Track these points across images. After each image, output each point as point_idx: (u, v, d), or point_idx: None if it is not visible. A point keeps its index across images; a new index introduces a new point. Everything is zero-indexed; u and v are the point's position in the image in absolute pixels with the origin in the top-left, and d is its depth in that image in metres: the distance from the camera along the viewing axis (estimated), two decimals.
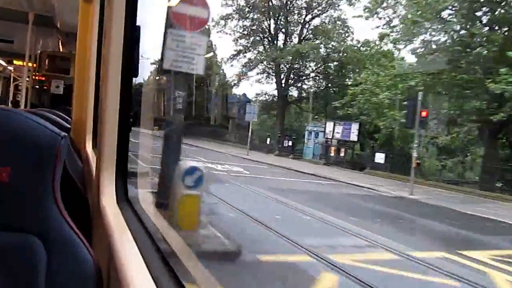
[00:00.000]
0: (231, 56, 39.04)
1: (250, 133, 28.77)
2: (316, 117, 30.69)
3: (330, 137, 27.46)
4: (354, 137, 26.30)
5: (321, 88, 36.81)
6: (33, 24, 6.46)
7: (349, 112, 28.16)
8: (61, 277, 1.04)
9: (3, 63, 12.72)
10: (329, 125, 28.21)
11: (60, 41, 8.36)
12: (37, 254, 1.01)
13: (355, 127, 26.26)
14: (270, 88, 55.60)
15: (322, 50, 35.75)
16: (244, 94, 40.20)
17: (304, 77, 37.39)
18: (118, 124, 1.71)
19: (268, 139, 33.43)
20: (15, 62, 10.83)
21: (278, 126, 35.49)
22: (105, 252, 1.27)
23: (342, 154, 26.49)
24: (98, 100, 2.49)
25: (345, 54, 34.43)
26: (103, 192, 1.65)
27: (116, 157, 1.70)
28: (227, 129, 42.38)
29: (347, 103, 27.69)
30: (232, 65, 44.48)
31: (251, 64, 38.85)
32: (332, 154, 26.89)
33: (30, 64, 7.98)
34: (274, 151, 31.91)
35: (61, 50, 8.86)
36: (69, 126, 2.51)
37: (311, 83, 38.09)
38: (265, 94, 40.83)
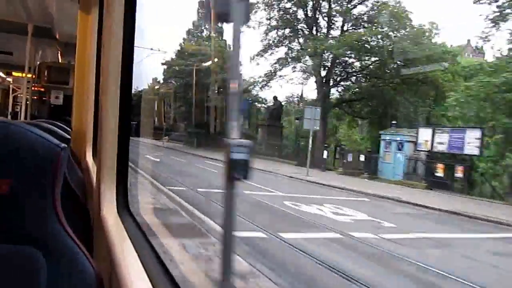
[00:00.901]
0: (259, 53, 33.91)
1: (310, 146, 22.72)
2: (394, 122, 24.17)
3: (426, 149, 20.47)
4: (472, 149, 18.39)
5: (378, 85, 29.57)
6: (32, 36, 6.48)
7: (450, 116, 23.04)
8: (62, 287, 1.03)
9: (2, 75, 12.75)
10: (424, 133, 20.85)
11: (59, 52, 8.38)
12: (38, 266, 1.01)
13: (473, 135, 18.44)
14: (305, 89, 48.91)
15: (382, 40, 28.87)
16: (275, 97, 36.18)
17: (353, 74, 31.10)
18: (118, 134, 1.71)
19: (325, 152, 26.22)
20: (14, 73, 10.87)
21: (320, 134, 29.01)
22: (106, 262, 1.27)
23: (459, 174, 18.56)
24: (97, 110, 2.49)
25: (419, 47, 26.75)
26: (104, 202, 1.65)
27: (116, 166, 1.70)
28: (252, 138, 38.96)
29: (450, 106, 22.51)
30: (258, 64, 38.12)
31: (288, 60, 33.43)
32: (439, 174, 19.22)
33: (29, 76, 8.00)
34: (331, 166, 26.28)
35: (60, 60, 8.89)
36: (69, 136, 2.51)
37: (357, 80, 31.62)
38: (297, 96, 37.38)
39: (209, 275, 5.26)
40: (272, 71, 33.74)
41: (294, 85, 41.08)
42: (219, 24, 44.41)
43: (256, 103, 39.48)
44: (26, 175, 1.01)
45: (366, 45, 28.47)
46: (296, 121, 35.65)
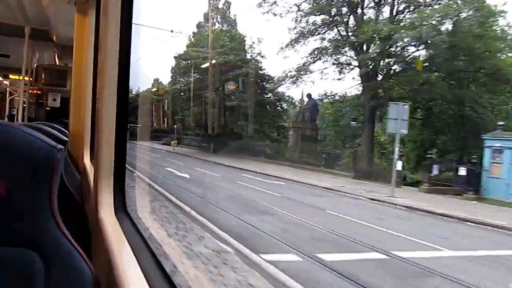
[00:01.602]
0: (289, 44, 29.61)
1: (396, 155, 17.76)
2: (501, 124, 18.97)
3: None
4: None
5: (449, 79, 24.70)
6: (30, 38, 6.47)
7: None
8: None
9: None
10: None
11: (56, 54, 8.38)
12: (35, 268, 1.00)
13: None
14: (342, 85, 43.81)
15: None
16: (309, 95, 31.76)
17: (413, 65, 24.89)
18: (115, 136, 1.71)
19: (399, 163, 18.61)
20: (11, 76, 10.84)
21: (366, 138, 25.94)
22: (104, 264, 1.26)
23: None
24: (95, 112, 2.49)
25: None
26: (101, 204, 1.64)
27: (114, 168, 1.70)
28: (274, 142, 34.18)
29: None
30: (285, 57, 32.86)
31: (327, 50, 28.43)
32: None
33: (26, 78, 7.99)
34: (407, 179, 21.75)
35: (57, 63, 8.89)
36: (66, 138, 2.51)
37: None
38: (332, 95, 31.85)
39: None
40: (304, 65, 29.22)
41: (327, 81, 37.26)
42: (232, 16, 41.69)
43: (281, 102, 35.48)
44: (22, 176, 1.00)
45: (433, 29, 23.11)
46: (352, 123, 30.69)
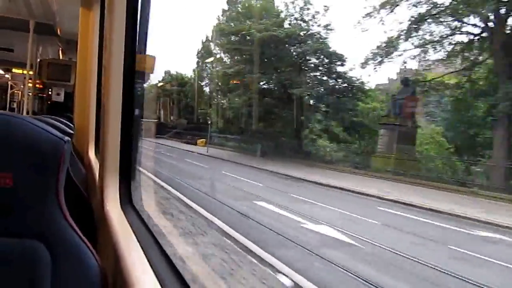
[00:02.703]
0: (372, 12, 22.56)
1: None
2: None
3: None
4: None
5: None
6: (34, 32, 6.49)
7: None
8: (66, 282, 1.04)
9: (1, 72, 12.75)
10: None
11: (60, 49, 8.39)
12: (42, 260, 1.01)
13: None
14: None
15: None
16: (406, 80, 23.31)
17: None
18: (121, 130, 1.72)
19: None
20: (14, 70, 10.88)
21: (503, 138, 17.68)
22: (110, 256, 1.28)
23: None
24: (100, 107, 2.50)
25: None
26: (107, 197, 1.66)
27: (119, 162, 1.71)
28: (346, 144, 26.01)
29: None
30: (364, 30, 25.58)
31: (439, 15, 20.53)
32: None
33: (31, 72, 8.01)
34: None
35: (61, 57, 8.90)
36: (71, 131, 2.52)
37: None
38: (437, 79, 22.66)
39: None
40: (397, 38, 21.97)
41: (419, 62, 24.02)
42: None
43: (356, 91, 26.57)
44: (29, 168, 1.01)
45: None
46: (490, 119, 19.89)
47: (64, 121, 2.95)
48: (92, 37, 3.97)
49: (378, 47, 23.08)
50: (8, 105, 15.08)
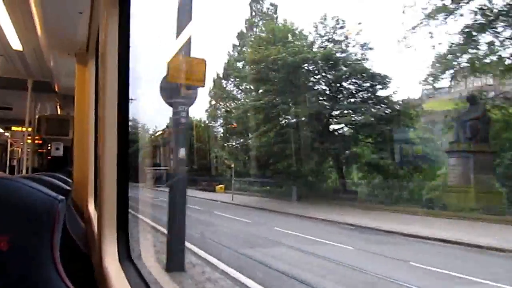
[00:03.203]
0: (419, 24, 19.29)
1: None
2: None
3: None
4: None
5: None
6: (32, 90, 6.62)
7: None
8: None
9: (1, 130, 12.91)
10: None
11: (58, 104, 8.53)
12: None
13: None
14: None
15: None
16: (473, 97, 19.82)
17: None
18: (117, 183, 1.72)
19: None
20: (14, 128, 11.01)
21: None
22: None
23: None
24: (97, 160, 2.52)
25: None
26: (105, 252, 1.63)
27: (117, 215, 1.70)
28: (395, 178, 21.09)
29: None
30: (408, 46, 22.44)
31: None
32: None
33: (30, 129, 8.10)
34: None
35: (59, 112, 9.03)
36: (68, 188, 2.52)
37: None
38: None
39: None
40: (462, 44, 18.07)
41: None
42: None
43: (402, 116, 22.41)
44: (24, 229, 1.01)
45: None
46: None
47: (62, 176, 2.95)
48: (89, 92, 4.06)
49: (435, 63, 19.51)
50: (8, 163, 15.14)
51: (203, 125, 39.05)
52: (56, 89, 6.64)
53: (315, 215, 17.10)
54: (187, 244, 8.68)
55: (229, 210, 20.04)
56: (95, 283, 1.77)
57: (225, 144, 35.02)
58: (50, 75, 6.04)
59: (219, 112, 37.88)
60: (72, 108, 5.45)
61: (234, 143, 34.17)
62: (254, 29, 34.86)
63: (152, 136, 42.53)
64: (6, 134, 13.51)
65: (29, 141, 8.77)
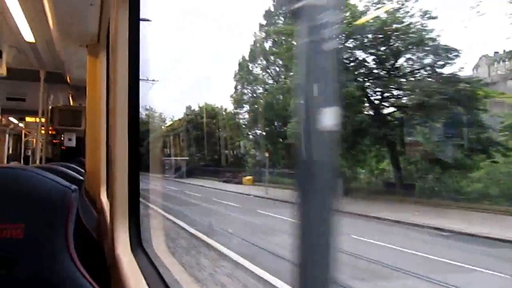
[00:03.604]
0: None
1: None
2: None
3: None
4: None
5: None
6: (45, 81, 6.69)
7: None
8: None
9: (15, 121, 13.08)
10: None
11: (70, 95, 8.61)
12: None
13: None
14: None
15: None
16: None
17: None
18: (128, 172, 1.74)
19: None
20: (28, 119, 11.15)
21: None
22: None
23: None
24: (109, 150, 2.55)
25: None
26: (118, 241, 1.66)
27: (129, 205, 1.73)
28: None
29: None
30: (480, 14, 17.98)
31: None
32: None
33: (43, 120, 8.20)
34: None
35: (71, 103, 9.12)
36: (81, 178, 2.56)
37: None
38: None
39: None
40: None
41: None
42: None
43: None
44: (39, 218, 1.04)
45: None
46: None
47: (75, 166, 2.99)
48: (100, 83, 4.10)
49: None
50: (23, 153, 15.34)
51: (225, 112, 37.34)
52: (68, 80, 6.70)
53: (379, 214, 14.01)
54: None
55: (270, 207, 17.12)
56: (108, 270, 1.80)
57: (248, 133, 33.58)
58: (62, 66, 6.09)
59: (245, 97, 35.08)
60: (84, 99, 5.50)
61: (261, 131, 31.28)
62: (283, 7, 30.51)
63: (170, 125, 41.30)
64: (20, 124, 13.68)
65: (42, 131, 8.88)
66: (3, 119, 11.87)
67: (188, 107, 40.48)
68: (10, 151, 15.65)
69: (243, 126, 35.03)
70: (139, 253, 1.64)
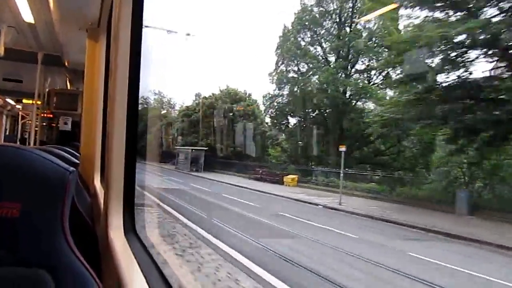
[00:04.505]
0: None
1: None
2: None
3: None
4: None
5: None
6: (42, 63, 6.65)
7: None
8: None
9: (12, 102, 13.00)
10: None
11: (68, 79, 8.55)
12: None
13: None
14: None
15: None
16: None
17: None
18: (125, 159, 1.75)
19: None
20: (24, 101, 11.08)
21: None
22: (113, 284, 1.28)
23: None
24: (105, 136, 2.55)
25: None
26: (111, 225, 1.67)
27: (123, 190, 1.73)
28: None
29: None
30: None
31: None
32: None
33: (39, 102, 8.16)
34: None
35: (69, 87, 9.07)
36: (77, 161, 2.55)
37: None
38: None
39: None
40: None
41: None
42: None
43: None
44: (36, 198, 1.04)
45: None
46: None
47: (71, 150, 2.99)
48: (98, 67, 4.07)
49: None
50: (20, 135, 15.27)
51: (248, 97, 33.30)
52: (66, 64, 6.66)
53: None
54: None
55: (378, 233, 12.20)
56: (99, 254, 1.82)
57: (287, 120, 28.32)
58: (61, 49, 6.05)
59: (290, 75, 29.67)
60: (81, 83, 5.48)
61: (311, 117, 26.87)
62: None
63: (182, 111, 37.65)
64: (18, 106, 13.60)
65: (37, 114, 8.84)
66: (0, 99, 11.79)
67: (198, 94, 36.53)
68: (8, 133, 15.57)
69: (283, 111, 29.69)
70: (132, 238, 1.65)
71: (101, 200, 2.25)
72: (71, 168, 1.09)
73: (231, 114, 32.48)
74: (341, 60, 26.34)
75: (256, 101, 33.71)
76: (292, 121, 29.88)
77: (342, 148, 18.56)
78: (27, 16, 4.87)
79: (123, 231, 1.66)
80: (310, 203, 17.41)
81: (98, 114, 3.89)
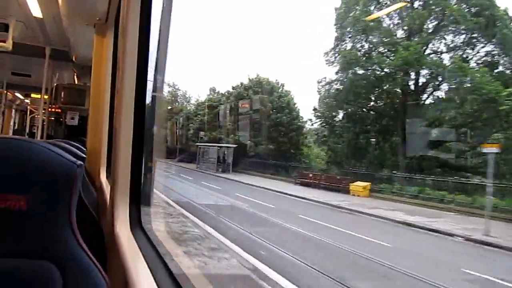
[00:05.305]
0: None
1: None
2: None
3: None
4: None
5: None
6: (50, 58, 6.68)
7: None
8: None
9: (21, 97, 13.08)
10: None
11: (75, 74, 8.60)
12: (54, 280, 1.04)
13: None
14: None
15: None
16: None
17: None
18: (132, 154, 1.76)
19: None
20: (32, 95, 11.16)
21: None
22: (119, 278, 1.29)
23: None
24: (112, 131, 2.56)
25: None
26: (117, 219, 1.68)
27: (130, 185, 1.74)
28: None
29: None
30: None
31: None
32: None
33: (46, 97, 8.20)
34: None
35: (76, 82, 9.11)
36: (84, 156, 2.57)
37: None
38: None
39: None
40: None
41: None
42: None
43: None
44: (43, 191, 1.05)
45: None
46: None
47: (77, 144, 3.01)
48: (106, 63, 4.09)
49: None
50: (28, 130, 15.35)
51: (282, 88, 29.94)
52: (74, 59, 6.69)
53: None
54: None
55: None
56: (105, 247, 1.83)
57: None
58: (68, 44, 6.07)
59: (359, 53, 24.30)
60: (89, 78, 5.50)
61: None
62: None
63: (205, 102, 34.06)
64: (26, 101, 13.69)
65: (44, 108, 8.89)
66: (9, 93, 11.86)
67: (212, 89, 33.56)
68: (16, 127, 15.66)
69: (340, 101, 24.98)
70: (138, 232, 1.66)
71: (107, 195, 2.27)
72: (79, 162, 1.10)
73: (270, 105, 28.30)
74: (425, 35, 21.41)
75: (290, 92, 30.54)
76: (342, 114, 25.01)
77: (492, 149, 13.60)
78: (36, 10, 4.89)
79: (129, 225, 1.67)
80: (431, 230, 11.59)
81: (105, 110, 3.90)
